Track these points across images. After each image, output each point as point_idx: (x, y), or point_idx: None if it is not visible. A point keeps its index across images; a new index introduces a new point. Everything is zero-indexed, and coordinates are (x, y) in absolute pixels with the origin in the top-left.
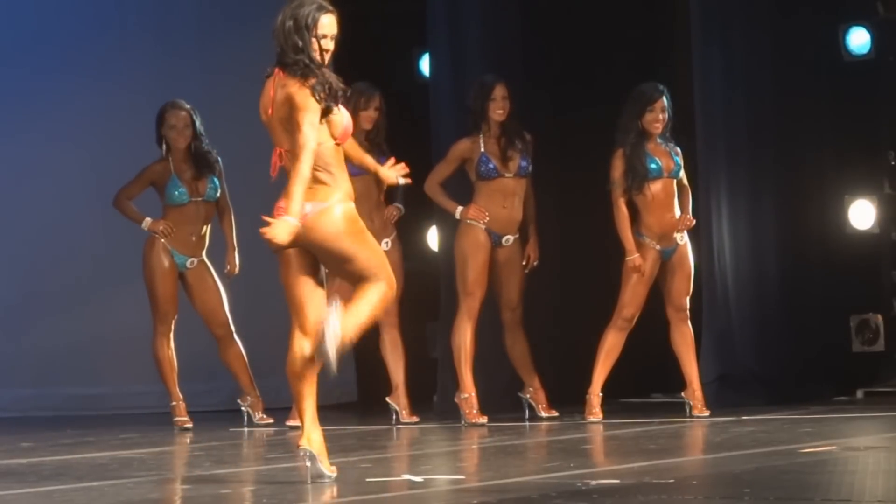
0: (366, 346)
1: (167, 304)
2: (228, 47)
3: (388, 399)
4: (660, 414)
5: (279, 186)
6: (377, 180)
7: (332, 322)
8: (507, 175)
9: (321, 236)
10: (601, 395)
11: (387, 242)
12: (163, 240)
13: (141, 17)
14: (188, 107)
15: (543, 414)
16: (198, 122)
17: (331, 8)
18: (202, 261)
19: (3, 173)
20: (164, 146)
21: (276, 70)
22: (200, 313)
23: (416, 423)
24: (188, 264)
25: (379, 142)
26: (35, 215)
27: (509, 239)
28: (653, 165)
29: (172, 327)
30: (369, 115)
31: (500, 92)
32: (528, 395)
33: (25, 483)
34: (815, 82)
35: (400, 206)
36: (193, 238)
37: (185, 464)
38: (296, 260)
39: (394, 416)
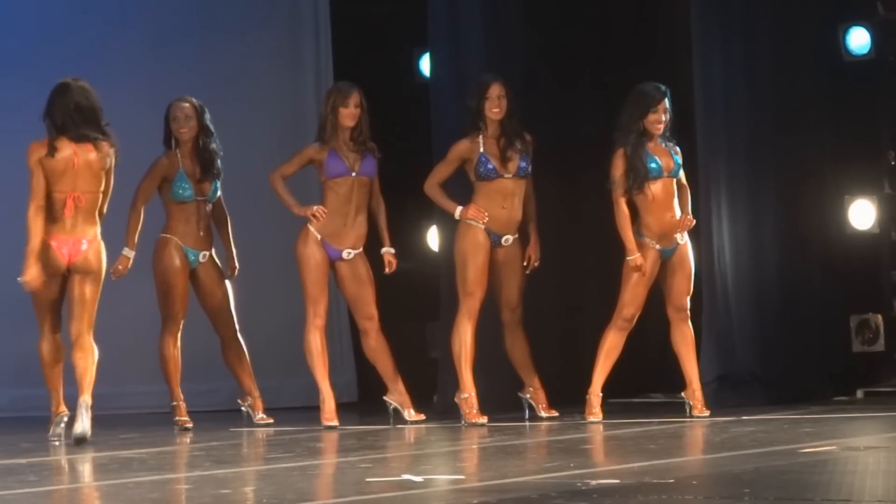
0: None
1: (178, 304)
2: (228, 53)
3: (385, 398)
4: (660, 414)
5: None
6: (361, 184)
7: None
8: (506, 176)
9: None
10: (601, 395)
11: (349, 252)
12: (175, 238)
13: (142, 20)
14: (193, 100)
15: (543, 414)
16: (206, 117)
17: None
18: (212, 256)
19: (3, 173)
20: (172, 142)
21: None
22: (207, 311)
23: (423, 421)
24: (200, 258)
25: (363, 140)
26: None
27: (509, 239)
28: (653, 165)
29: (181, 327)
30: (350, 113)
31: (495, 90)
32: (528, 395)
33: (25, 483)
34: (815, 82)
35: (391, 249)
36: (201, 233)
37: (185, 464)
38: None
39: (392, 415)
